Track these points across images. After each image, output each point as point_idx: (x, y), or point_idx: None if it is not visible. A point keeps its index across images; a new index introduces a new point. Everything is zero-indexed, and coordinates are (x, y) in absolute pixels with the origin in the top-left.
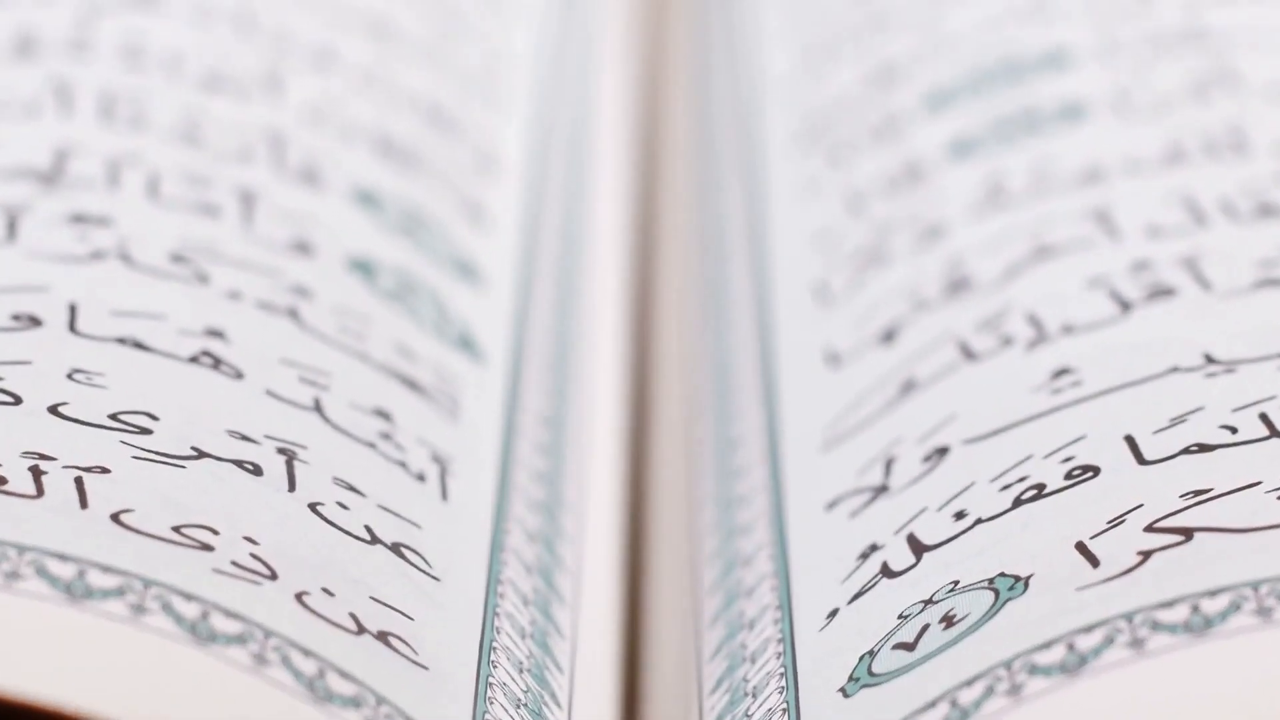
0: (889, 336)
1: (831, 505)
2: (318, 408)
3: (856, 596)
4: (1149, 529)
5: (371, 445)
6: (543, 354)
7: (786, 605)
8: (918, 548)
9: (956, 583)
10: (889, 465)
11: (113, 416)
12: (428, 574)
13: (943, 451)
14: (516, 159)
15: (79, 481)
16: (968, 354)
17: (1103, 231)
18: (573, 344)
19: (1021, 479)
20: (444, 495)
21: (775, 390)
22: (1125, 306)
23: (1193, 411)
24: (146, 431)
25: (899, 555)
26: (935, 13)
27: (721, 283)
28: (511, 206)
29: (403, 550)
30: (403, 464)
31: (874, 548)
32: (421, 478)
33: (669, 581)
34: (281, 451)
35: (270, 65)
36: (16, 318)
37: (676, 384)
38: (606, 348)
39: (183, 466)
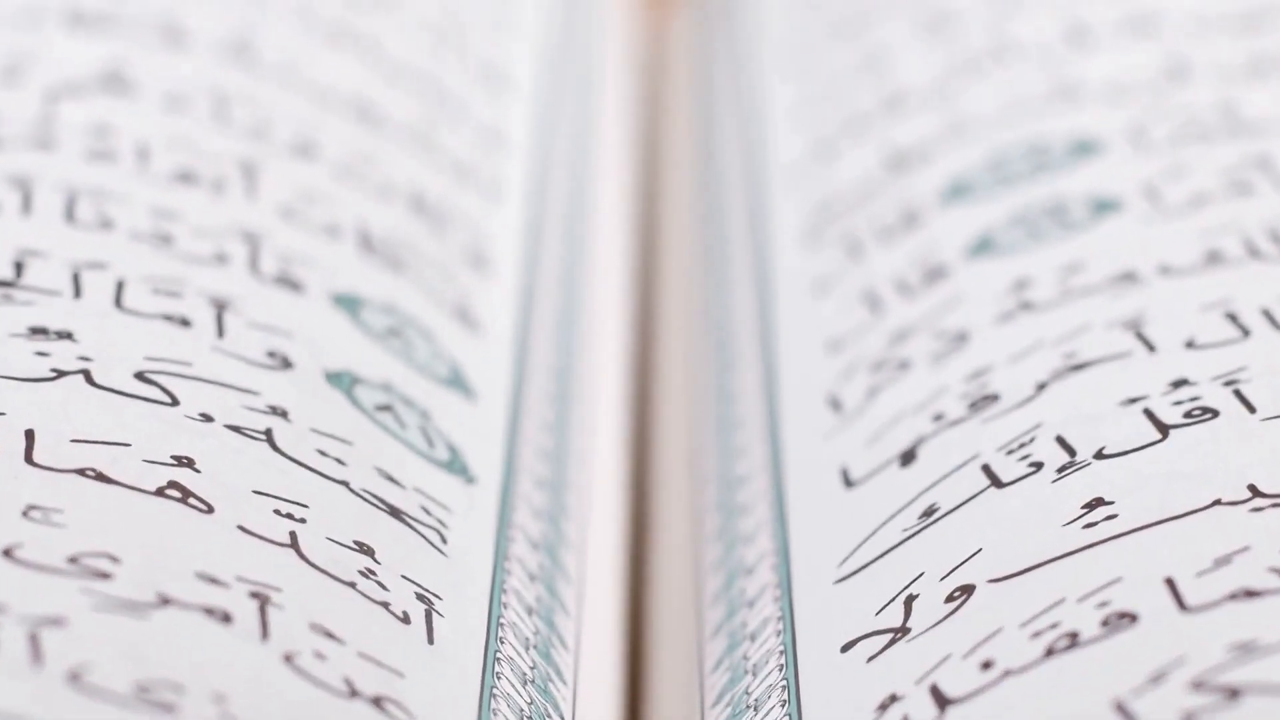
0: (908, 457)
1: (847, 647)
2: (294, 543)
3: None
4: (1193, 686)
5: (351, 584)
6: (536, 473)
7: None
8: (942, 701)
9: None
10: (909, 604)
11: (72, 560)
12: None
13: (967, 591)
14: (509, 255)
15: (33, 637)
16: (993, 479)
17: (1137, 342)
18: (570, 463)
19: (1053, 625)
20: (430, 638)
21: (785, 513)
22: (1163, 430)
23: (1238, 551)
24: (107, 576)
25: (921, 709)
26: (953, 94)
27: (730, 394)
28: (504, 307)
29: (385, 704)
30: (385, 604)
31: (894, 698)
32: (405, 619)
33: None
34: (254, 595)
35: (247, 154)
36: None
37: (681, 511)
38: (607, 467)
39: (147, 617)
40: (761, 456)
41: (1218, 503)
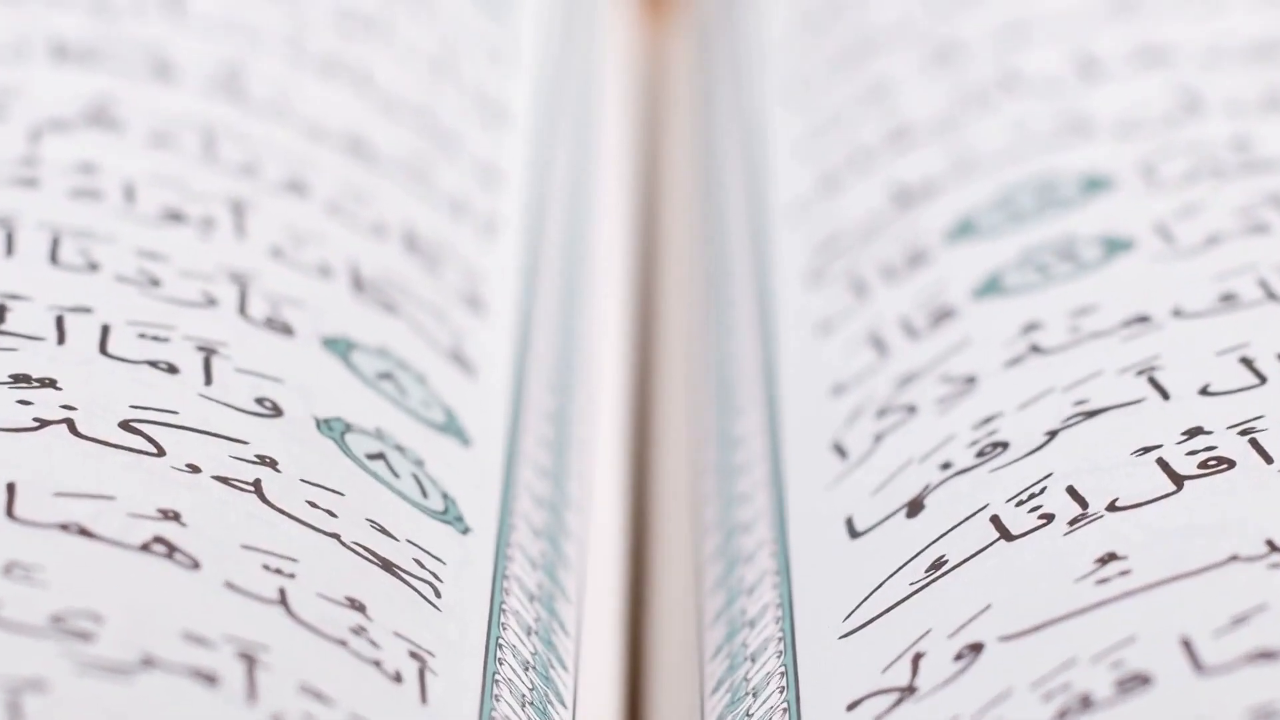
0: (915, 507)
1: (853, 706)
2: (283, 600)
3: None
4: None
5: (342, 643)
6: (533, 522)
7: None
8: None
9: None
10: (916, 662)
11: (54, 619)
12: None
13: (976, 649)
14: (504, 294)
15: (13, 702)
16: (1003, 531)
17: (1150, 389)
18: (567, 511)
19: (1065, 686)
20: (423, 697)
21: (789, 564)
22: (1177, 481)
23: (1256, 610)
24: (90, 637)
25: None
26: (960, 128)
27: (732, 439)
28: (499, 348)
29: None
30: (377, 663)
31: None
32: (398, 678)
33: None
34: (242, 656)
35: (236, 192)
36: None
37: (682, 561)
38: (605, 515)
39: (131, 680)
40: (764, 504)
41: (1234, 558)
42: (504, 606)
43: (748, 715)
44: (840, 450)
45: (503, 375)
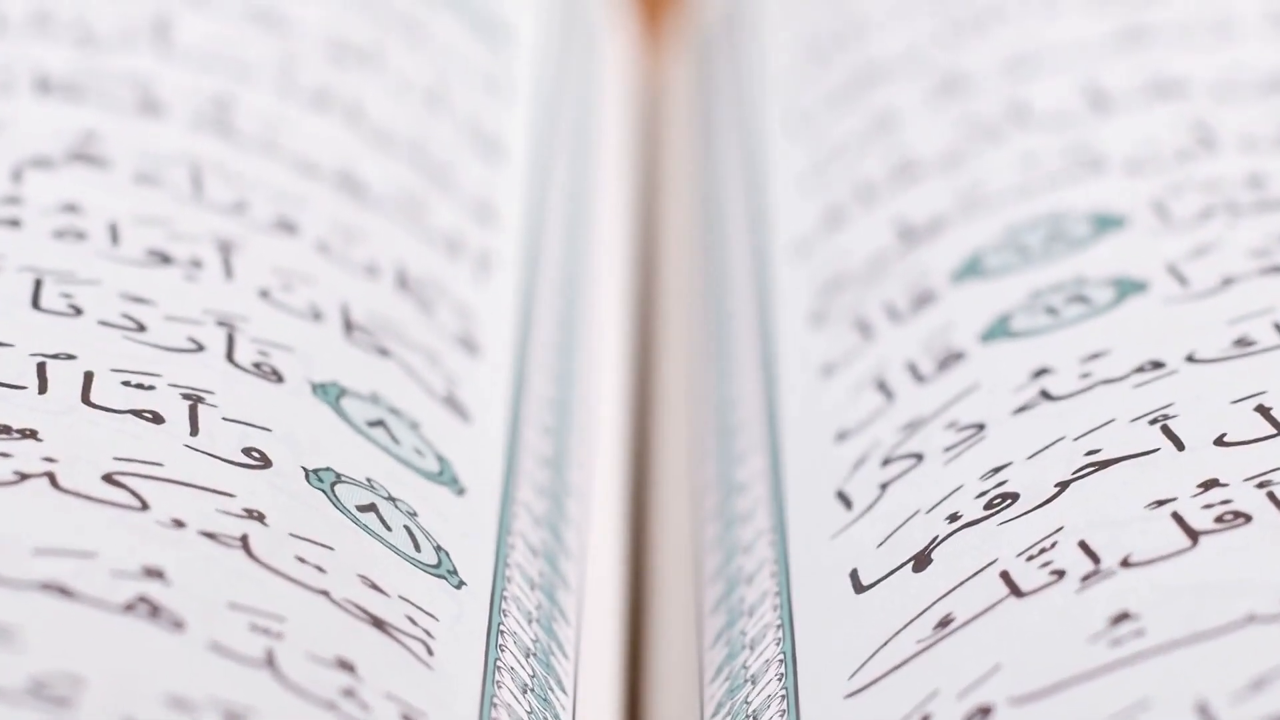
0: (922, 561)
1: None
2: (270, 662)
3: None
4: None
5: (331, 705)
6: (528, 574)
7: None
8: None
9: None
10: None
11: (34, 684)
12: None
13: (985, 712)
14: (499, 335)
15: None
16: (1013, 588)
17: (1164, 438)
18: (564, 563)
19: None
20: None
21: (792, 619)
22: (1192, 536)
23: (1275, 673)
24: (70, 703)
25: None
26: (967, 162)
27: (734, 485)
28: (494, 392)
29: None
30: None
31: None
32: None
33: None
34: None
35: (224, 231)
36: None
37: (683, 613)
38: (603, 567)
39: None
40: (767, 554)
41: (1252, 619)
42: (499, 664)
43: None
44: (844, 499)
45: (498, 420)
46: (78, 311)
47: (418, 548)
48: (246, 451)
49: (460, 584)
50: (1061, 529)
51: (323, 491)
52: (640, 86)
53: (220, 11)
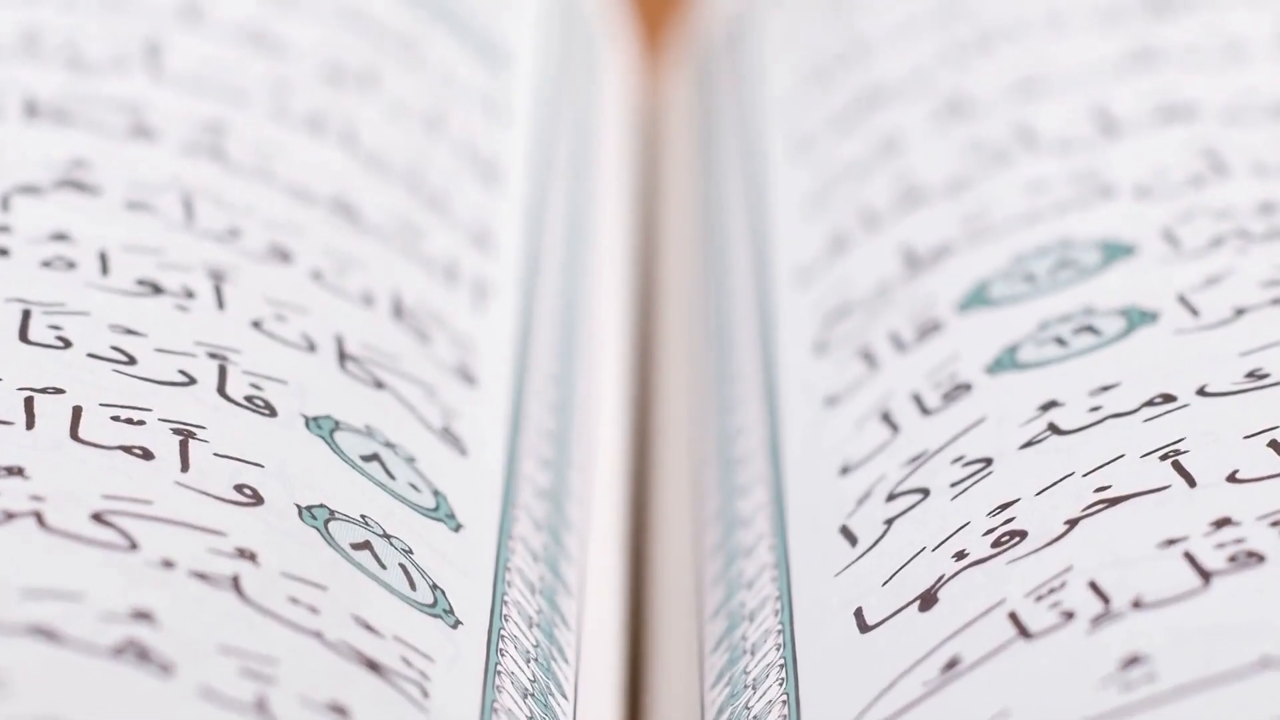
0: (929, 600)
1: None
2: (261, 707)
3: None
4: None
5: None
6: (527, 612)
7: None
8: None
9: None
10: None
11: None
12: None
13: None
14: (497, 365)
15: None
16: (1021, 629)
17: (1175, 475)
18: (563, 600)
19: None
20: None
21: (795, 659)
22: (1205, 576)
23: None
24: None
25: None
26: (973, 188)
27: (736, 519)
28: (491, 424)
29: None
30: None
31: None
32: None
33: None
34: None
35: (216, 260)
36: None
37: (684, 653)
38: (602, 601)
39: None
40: (770, 590)
41: (1266, 662)
42: (495, 706)
43: None
44: (849, 535)
45: (495, 453)
46: (66, 344)
47: (413, 586)
48: (238, 488)
49: (456, 623)
50: (1071, 568)
51: (316, 529)
52: (640, 109)
53: (213, 34)
